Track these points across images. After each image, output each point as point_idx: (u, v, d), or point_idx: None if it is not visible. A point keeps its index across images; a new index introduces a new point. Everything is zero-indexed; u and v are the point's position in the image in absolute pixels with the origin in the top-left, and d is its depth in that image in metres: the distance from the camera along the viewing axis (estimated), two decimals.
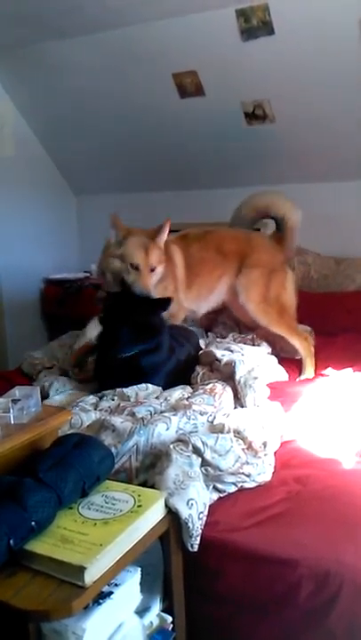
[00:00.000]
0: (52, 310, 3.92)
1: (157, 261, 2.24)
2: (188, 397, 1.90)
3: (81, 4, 2.64)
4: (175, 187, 3.71)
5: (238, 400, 1.96)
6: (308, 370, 2.37)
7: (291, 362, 2.42)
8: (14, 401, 1.34)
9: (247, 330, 2.61)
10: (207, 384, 1.98)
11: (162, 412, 1.72)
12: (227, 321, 2.74)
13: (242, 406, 1.93)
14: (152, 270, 2.22)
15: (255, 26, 2.66)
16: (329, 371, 2.33)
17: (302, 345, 2.42)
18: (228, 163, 3.38)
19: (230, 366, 2.04)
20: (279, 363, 2.38)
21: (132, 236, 2.23)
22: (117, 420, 1.63)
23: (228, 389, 1.96)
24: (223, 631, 1.35)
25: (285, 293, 2.51)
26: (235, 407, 1.93)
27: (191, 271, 2.45)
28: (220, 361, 2.12)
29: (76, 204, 4.24)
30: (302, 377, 2.35)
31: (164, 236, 2.28)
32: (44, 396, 2.09)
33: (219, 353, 2.16)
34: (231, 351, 2.25)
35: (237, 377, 1.99)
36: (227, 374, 2.05)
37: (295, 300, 2.57)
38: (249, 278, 2.45)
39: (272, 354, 2.42)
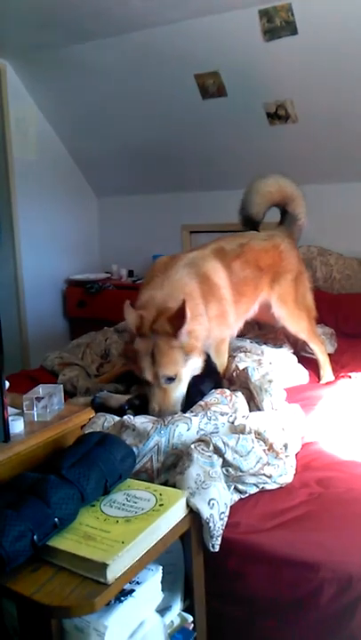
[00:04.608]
0: (74, 310, 3.96)
1: (179, 366, 1.78)
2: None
3: (105, 7, 2.66)
4: (198, 187, 3.71)
5: (255, 405, 1.94)
6: (328, 373, 2.35)
7: (312, 362, 2.40)
8: (38, 399, 1.36)
9: (266, 326, 2.57)
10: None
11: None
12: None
13: (259, 410, 1.91)
14: (171, 379, 1.78)
15: (278, 26, 2.65)
16: (352, 373, 2.31)
17: (320, 349, 2.40)
18: (250, 163, 3.37)
19: (245, 373, 2.02)
20: (300, 362, 2.37)
21: (139, 339, 1.77)
22: (138, 421, 1.64)
23: (239, 394, 1.93)
24: (244, 633, 1.34)
25: (309, 293, 2.46)
26: (250, 411, 1.91)
27: (237, 291, 2.16)
28: (237, 368, 2.08)
29: (98, 205, 4.27)
30: (323, 381, 2.33)
31: (186, 323, 1.74)
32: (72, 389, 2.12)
33: (236, 359, 2.13)
34: (249, 351, 2.24)
35: (253, 381, 1.96)
36: (241, 381, 2.03)
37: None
38: (283, 288, 2.32)
39: (293, 353, 2.41)
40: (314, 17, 2.57)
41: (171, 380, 1.78)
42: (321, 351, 2.39)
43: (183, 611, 1.27)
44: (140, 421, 1.64)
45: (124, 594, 1.08)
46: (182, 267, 2.01)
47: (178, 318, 1.74)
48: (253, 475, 1.49)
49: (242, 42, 2.79)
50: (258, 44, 2.75)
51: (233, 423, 1.69)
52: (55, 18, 2.79)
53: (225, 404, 1.81)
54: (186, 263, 2.03)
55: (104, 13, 2.73)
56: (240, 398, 1.89)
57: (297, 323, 2.36)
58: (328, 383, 2.30)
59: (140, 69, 3.15)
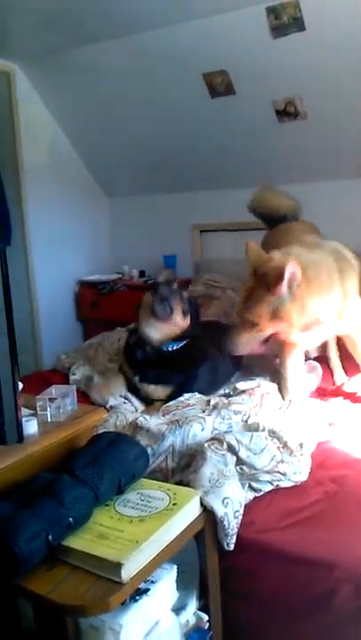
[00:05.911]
0: (86, 311, 3.98)
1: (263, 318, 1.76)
2: (230, 395, 1.92)
3: (113, 9, 2.67)
4: (208, 186, 3.71)
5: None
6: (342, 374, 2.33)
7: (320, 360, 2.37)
8: (51, 400, 1.37)
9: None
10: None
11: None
12: None
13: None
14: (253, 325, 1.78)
15: (286, 22, 2.64)
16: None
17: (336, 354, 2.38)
18: (260, 161, 3.36)
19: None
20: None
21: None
22: (152, 422, 1.64)
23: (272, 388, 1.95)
24: (258, 632, 1.33)
25: None
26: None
27: None
28: None
29: (109, 205, 4.29)
30: (338, 383, 2.30)
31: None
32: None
33: None
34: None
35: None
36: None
37: None
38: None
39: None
40: (321, 13, 2.55)
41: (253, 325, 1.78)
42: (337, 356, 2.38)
43: (198, 610, 1.27)
44: (155, 423, 1.64)
45: (139, 593, 1.08)
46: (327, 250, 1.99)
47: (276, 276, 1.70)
48: (268, 472, 1.48)
49: (250, 39, 2.77)
50: (266, 41, 2.73)
51: (246, 422, 1.69)
52: (64, 20, 2.80)
53: (246, 405, 1.81)
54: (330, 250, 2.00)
55: (112, 15, 2.74)
56: (270, 395, 1.91)
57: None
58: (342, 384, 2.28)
59: (148, 70, 3.15)
